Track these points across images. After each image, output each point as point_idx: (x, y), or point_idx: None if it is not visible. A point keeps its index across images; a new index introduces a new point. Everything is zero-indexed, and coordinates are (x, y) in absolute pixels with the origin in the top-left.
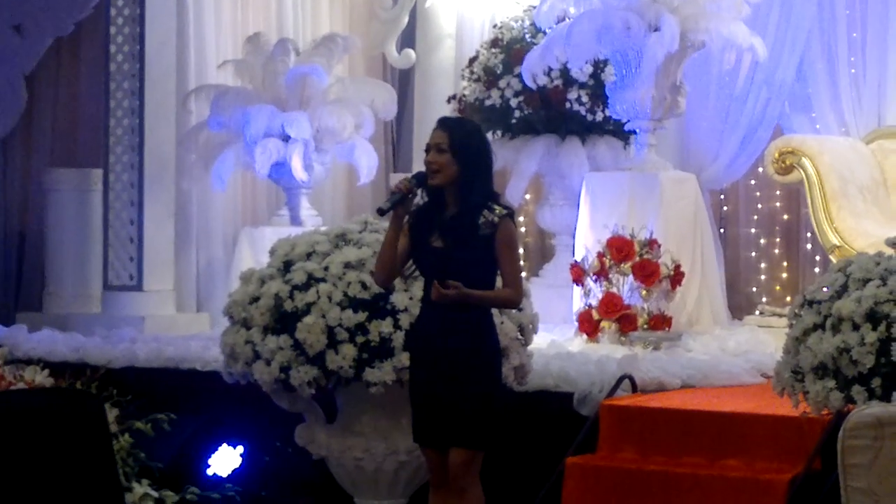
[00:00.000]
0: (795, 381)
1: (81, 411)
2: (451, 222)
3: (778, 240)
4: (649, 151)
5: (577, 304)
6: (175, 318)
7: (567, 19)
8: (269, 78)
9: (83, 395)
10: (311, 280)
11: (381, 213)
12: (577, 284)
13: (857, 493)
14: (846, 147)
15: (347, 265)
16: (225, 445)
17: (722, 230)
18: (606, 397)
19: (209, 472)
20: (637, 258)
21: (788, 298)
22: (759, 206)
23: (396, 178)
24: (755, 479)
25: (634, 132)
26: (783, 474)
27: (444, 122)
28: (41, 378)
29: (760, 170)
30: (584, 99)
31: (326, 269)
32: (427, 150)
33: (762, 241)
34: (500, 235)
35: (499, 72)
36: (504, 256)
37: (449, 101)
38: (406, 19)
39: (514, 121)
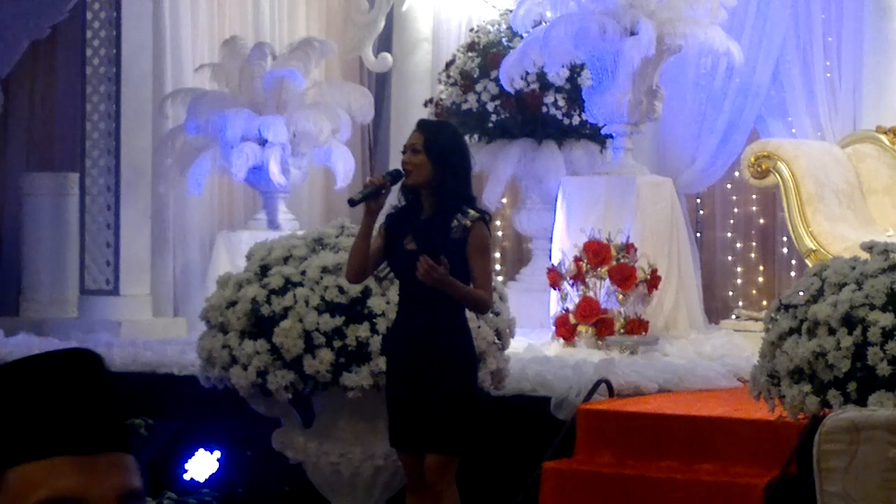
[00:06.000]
0: (771, 385)
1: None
2: (425, 225)
3: (754, 244)
4: (626, 155)
5: (554, 308)
6: (152, 323)
7: (543, 23)
8: (246, 82)
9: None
10: (289, 284)
11: (351, 203)
12: (554, 289)
13: (832, 497)
14: (822, 151)
15: (325, 269)
16: (202, 450)
17: (698, 234)
18: (583, 402)
19: (186, 476)
20: (614, 262)
21: (764, 302)
22: (736, 210)
23: None
24: (731, 483)
25: (611, 136)
26: (759, 478)
27: (421, 124)
28: None
29: (737, 174)
30: (561, 103)
31: (303, 273)
32: (404, 151)
33: (738, 245)
34: (471, 239)
35: (475, 76)
36: (475, 260)
37: (426, 104)
38: (383, 23)
39: (490, 125)
